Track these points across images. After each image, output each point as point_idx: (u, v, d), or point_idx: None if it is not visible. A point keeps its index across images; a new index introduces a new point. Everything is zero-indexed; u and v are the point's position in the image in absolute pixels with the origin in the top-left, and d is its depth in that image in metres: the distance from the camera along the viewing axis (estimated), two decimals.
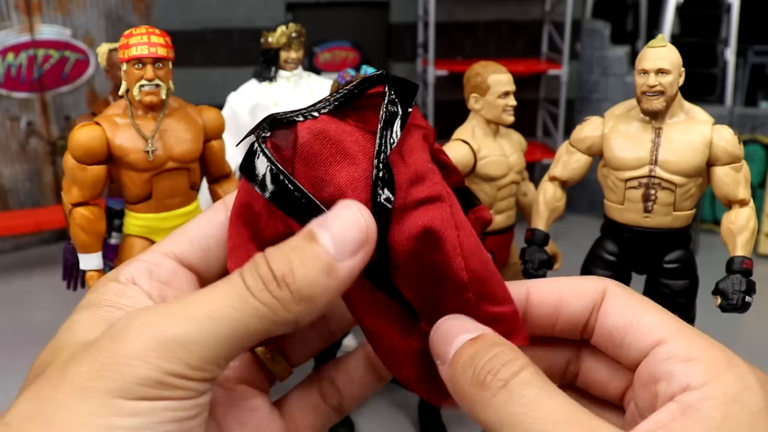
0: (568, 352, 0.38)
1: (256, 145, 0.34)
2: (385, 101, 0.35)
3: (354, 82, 0.37)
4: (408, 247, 0.33)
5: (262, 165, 0.33)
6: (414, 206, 0.33)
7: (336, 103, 0.36)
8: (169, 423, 0.30)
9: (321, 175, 0.34)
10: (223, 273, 0.38)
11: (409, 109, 0.35)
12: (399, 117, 0.35)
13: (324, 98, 0.37)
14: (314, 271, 0.31)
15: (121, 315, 0.32)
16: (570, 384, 0.38)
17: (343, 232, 0.31)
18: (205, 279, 0.38)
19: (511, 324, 0.35)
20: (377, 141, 0.33)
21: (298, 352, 0.40)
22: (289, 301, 0.31)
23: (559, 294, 0.36)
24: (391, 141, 0.34)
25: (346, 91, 0.36)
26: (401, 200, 0.33)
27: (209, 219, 0.38)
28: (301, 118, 0.35)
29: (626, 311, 0.34)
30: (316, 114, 0.36)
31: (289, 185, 0.33)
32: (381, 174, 0.32)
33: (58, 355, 0.32)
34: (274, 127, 0.35)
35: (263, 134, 0.34)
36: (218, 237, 0.37)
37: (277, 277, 0.31)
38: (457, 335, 0.33)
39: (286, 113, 0.35)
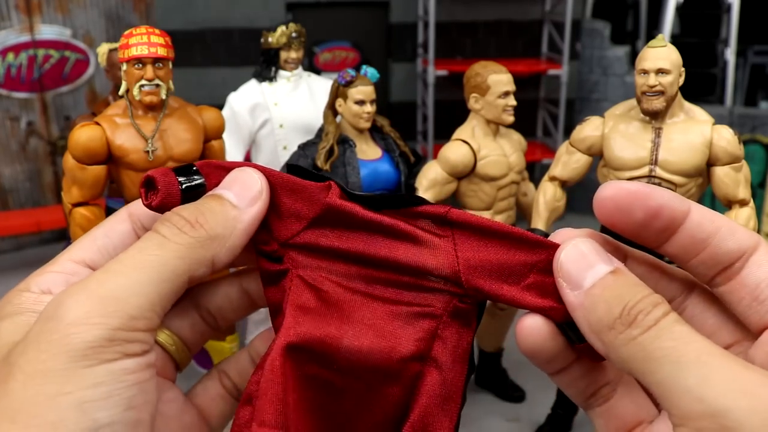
0: (676, 291, 0.37)
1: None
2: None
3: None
4: None
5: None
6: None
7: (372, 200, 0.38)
8: (131, 385, 0.31)
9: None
10: None
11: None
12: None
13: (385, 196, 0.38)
14: (223, 215, 0.36)
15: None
16: None
17: (242, 189, 0.37)
18: None
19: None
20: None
21: (192, 341, 0.42)
22: (205, 238, 0.35)
23: (718, 225, 0.34)
24: None
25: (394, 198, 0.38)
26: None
27: (115, 228, 0.39)
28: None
29: None
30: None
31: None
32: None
33: None
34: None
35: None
36: (125, 246, 0.37)
37: (191, 222, 0.35)
38: (594, 263, 0.33)
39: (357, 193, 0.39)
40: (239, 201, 0.36)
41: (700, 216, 0.34)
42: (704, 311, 0.36)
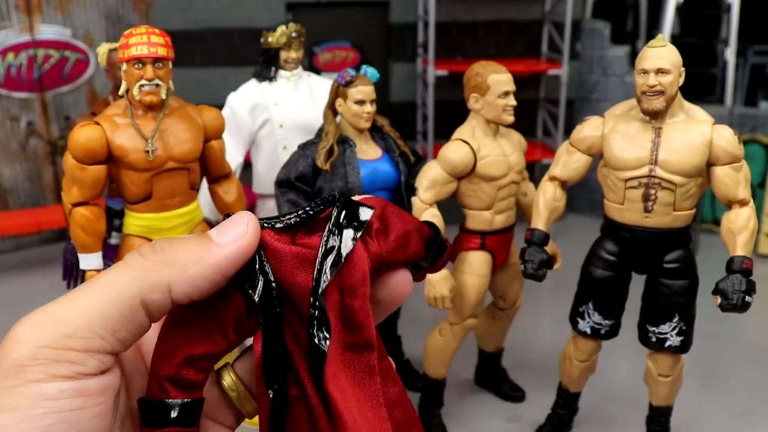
0: None
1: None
2: (325, 233, 0.37)
3: (313, 206, 0.38)
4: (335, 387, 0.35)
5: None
6: (345, 349, 0.36)
7: (292, 221, 0.38)
8: (48, 413, 0.29)
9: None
10: None
11: (357, 235, 0.37)
12: (335, 251, 0.36)
13: (289, 213, 0.38)
14: (193, 245, 0.35)
15: None
16: None
17: (228, 226, 0.36)
18: None
19: None
20: (314, 276, 0.36)
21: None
22: (160, 262, 0.34)
23: None
24: (325, 279, 0.36)
25: (302, 212, 0.38)
26: (335, 342, 0.36)
27: None
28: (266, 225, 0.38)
29: None
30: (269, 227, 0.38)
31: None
32: (316, 313, 0.35)
33: None
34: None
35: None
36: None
37: (155, 248, 0.35)
38: None
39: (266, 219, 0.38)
40: (217, 235, 0.36)
41: None
42: None
